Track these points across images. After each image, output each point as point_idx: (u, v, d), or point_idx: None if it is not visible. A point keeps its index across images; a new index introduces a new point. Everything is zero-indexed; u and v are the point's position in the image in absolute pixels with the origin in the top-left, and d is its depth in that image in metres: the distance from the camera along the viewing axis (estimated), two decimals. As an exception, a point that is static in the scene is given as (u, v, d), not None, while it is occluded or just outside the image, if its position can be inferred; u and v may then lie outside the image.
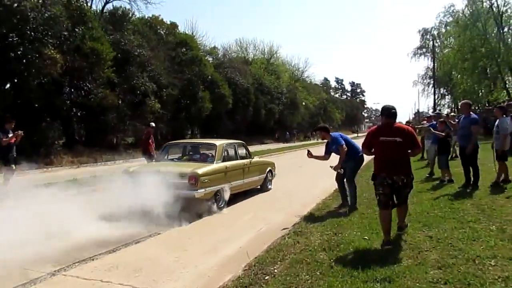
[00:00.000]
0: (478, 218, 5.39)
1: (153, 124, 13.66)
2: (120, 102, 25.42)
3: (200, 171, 7.33)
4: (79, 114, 23.08)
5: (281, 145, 37.18)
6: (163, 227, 6.41)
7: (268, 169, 10.53)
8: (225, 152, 8.60)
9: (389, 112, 4.82)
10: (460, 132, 7.90)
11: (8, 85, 20.06)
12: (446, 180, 8.89)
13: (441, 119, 9.50)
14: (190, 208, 7.08)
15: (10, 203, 7.29)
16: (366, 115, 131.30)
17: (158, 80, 27.47)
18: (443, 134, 8.85)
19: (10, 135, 9.35)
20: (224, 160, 8.34)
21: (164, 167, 7.70)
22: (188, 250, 5.33)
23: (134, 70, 25.31)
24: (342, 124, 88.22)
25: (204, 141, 10.20)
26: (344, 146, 7.25)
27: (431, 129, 9.59)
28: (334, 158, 7.56)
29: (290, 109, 51.00)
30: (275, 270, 4.05)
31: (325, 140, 7.79)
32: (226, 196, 8.00)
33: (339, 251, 4.48)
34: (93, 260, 4.93)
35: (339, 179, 7.49)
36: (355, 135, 73.35)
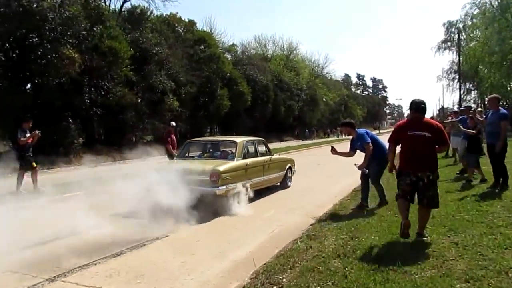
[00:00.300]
0: (510, 223, 4.92)
1: (174, 124, 13.98)
2: (138, 100, 25.55)
3: (221, 168, 7.34)
4: (98, 113, 23.14)
5: (300, 142, 36.74)
6: (178, 225, 6.23)
7: (287, 166, 10.46)
8: (245, 149, 8.56)
9: (418, 106, 4.73)
10: (488, 129, 7.35)
11: (28, 85, 20.36)
12: (472, 179, 8.36)
13: (470, 115, 8.91)
14: (211, 206, 6.96)
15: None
16: (388, 111, 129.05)
17: (176, 78, 27.46)
18: (474, 131, 8.26)
19: (28, 135, 9.37)
20: (244, 157, 8.31)
21: (185, 165, 7.80)
22: (196, 254, 5.06)
23: (152, 69, 25.34)
24: (364, 121, 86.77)
25: (225, 139, 10.16)
26: (370, 144, 6.94)
27: (461, 126, 8.97)
28: (359, 156, 7.27)
29: (309, 106, 50.43)
30: (284, 280, 3.73)
31: (350, 137, 7.55)
32: (247, 193, 7.86)
33: (355, 258, 4.12)
34: (95, 264, 4.70)
35: (363, 178, 7.19)
36: (377, 131, 72.18)
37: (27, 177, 9.46)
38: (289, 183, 10.54)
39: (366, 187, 7.12)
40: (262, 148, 9.51)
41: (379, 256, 4.08)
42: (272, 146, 28.71)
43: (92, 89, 22.73)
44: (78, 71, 20.03)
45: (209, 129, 37.12)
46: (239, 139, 8.69)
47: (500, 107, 7.34)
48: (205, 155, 9.00)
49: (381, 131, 72.12)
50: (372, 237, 4.81)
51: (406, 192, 4.65)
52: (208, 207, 6.91)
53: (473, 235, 4.56)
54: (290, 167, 10.63)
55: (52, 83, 19.36)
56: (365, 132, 7.29)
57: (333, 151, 7.25)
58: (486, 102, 10.50)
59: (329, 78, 68.87)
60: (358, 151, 7.25)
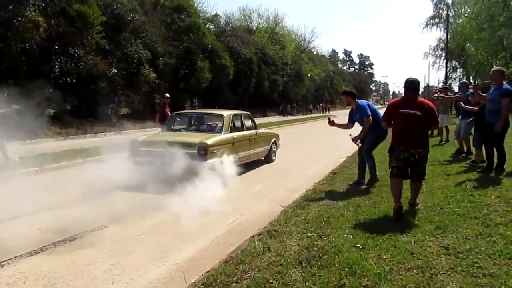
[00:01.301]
0: (510, 220, 4.10)
1: (168, 95, 14.17)
2: (114, 70, 24.13)
3: (210, 141, 7.31)
4: (68, 82, 21.71)
5: (283, 118, 35.70)
6: (129, 211, 5.40)
7: (272, 140, 10.48)
8: (232, 123, 8.54)
9: (411, 85, 4.86)
10: (489, 106, 6.44)
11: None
12: (477, 162, 7.48)
13: (471, 91, 8.02)
14: (195, 180, 6.38)
15: None
16: (374, 88, 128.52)
17: (153, 48, 25.98)
18: (476, 108, 7.37)
19: (3, 110, 8.59)
20: (231, 131, 8.31)
21: (171, 137, 7.69)
22: (132, 253, 4.15)
23: (127, 37, 23.83)
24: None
25: (212, 112, 9.94)
26: (371, 117, 6.55)
27: (462, 103, 8.05)
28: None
29: (294, 81, 49.30)
30: (224, 299, 2.86)
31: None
32: (234, 167, 7.61)
33: (320, 266, 3.26)
34: (2, 266, 3.77)
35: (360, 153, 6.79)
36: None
37: None
38: (274, 157, 10.51)
39: (362, 162, 6.74)
40: (248, 122, 9.53)
41: (349, 265, 3.23)
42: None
43: (62, 57, 21.28)
44: (43, 37, 18.58)
45: (190, 103, 35.84)
46: (226, 113, 8.64)
47: (504, 82, 6.44)
48: (192, 128, 8.90)
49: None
50: (345, 235, 3.96)
51: (399, 168, 4.76)
52: (190, 182, 6.30)
53: (467, 236, 3.73)
54: (275, 142, 10.65)
55: (15, 49, 17.92)
56: (367, 104, 6.84)
57: (331, 123, 6.89)
58: (476, 80, 9.46)
59: (315, 53, 67.42)
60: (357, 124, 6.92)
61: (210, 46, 32.46)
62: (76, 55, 20.86)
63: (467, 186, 5.69)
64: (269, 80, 42.47)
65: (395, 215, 4.50)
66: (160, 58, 26.73)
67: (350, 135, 6.81)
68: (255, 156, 9.41)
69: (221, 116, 8.56)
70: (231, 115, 8.66)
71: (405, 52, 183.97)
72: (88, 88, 21.79)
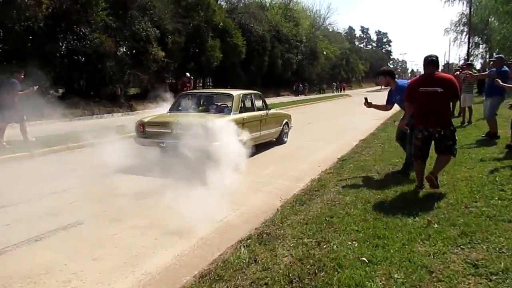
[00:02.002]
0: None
1: (188, 74, 15.45)
2: (124, 49, 23.52)
3: (217, 122, 7.02)
4: (74, 61, 21.18)
5: (296, 98, 34.66)
6: (110, 206, 4.83)
7: (284, 121, 10.10)
8: (242, 103, 8.26)
9: (430, 62, 4.72)
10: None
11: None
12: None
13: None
14: (203, 162, 6.13)
15: None
16: (392, 66, 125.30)
17: (162, 25, 25.16)
18: None
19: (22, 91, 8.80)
20: (241, 112, 7.99)
21: (178, 118, 7.35)
22: (100, 259, 3.57)
23: (134, 14, 23.06)
24: (366, 76, 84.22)
25: (221, 91, 9.58)
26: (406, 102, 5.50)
27: (499, 80, 7.10)
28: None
29: (309, 59, 47.88)
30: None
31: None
32: (243, 149, 7.04)
33: (315, 286, 2.60)
34: None
35: (400, 140, 5.97)
36: (379, 87, 69.74)
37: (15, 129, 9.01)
38: (285, 139, 10.15)
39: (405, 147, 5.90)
40: (259, 102, 9.22)
41: (351, 287, 2.56)
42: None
43: (67, 36, 20.71)
44: (46, 14, 17.98)
45: (201, 82, 35.11)
46: (235, 92, 8.31)
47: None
48: (200, 108, 8.59)
49: (382, 87, 69.91)
50: (349, 242, 3.29)
51: (419, 149, 4.75)
52: (195, 165, 6.06)
53: (501, 248, 3.00)
54: (287, 123, 10.24)
55: (18, 28, 17.43)
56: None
57: (367, 104, 6.17)
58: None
59: (330, 30, 65.46)
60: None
61: (221, 24, 31.46)
62: (81, 33, 20.31)
63: (497, 178, 4.89)
64: (282, 58, 41.29)
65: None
66: (169, 36, 25.92)
67: (394, 122, 6.15)
68: (266, 137, 9.07)
69: (230, 96, 8.25)
70: (241, 95, 8.33)
71: (424, 28, 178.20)
72: (95, 67, 21.24)
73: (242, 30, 33.91)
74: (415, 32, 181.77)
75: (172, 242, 3.86)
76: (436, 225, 3.53)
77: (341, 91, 51.03)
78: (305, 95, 40.72)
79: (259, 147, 8.61)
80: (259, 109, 8.93)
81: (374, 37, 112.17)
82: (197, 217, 4.47)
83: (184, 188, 5.34)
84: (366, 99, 6.21)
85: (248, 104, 8.67)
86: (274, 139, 9.70)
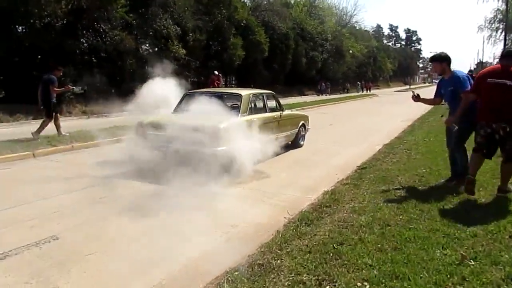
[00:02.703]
0: None
1: (216, 72, 15.24)
2: (142, 46, 23.35)
3: (223, 125, 6.44)
4: (93, 59, 21.09)
5: (318, 98, 33.67)
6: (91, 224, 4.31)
7: (301, 123, 9.44)
8: (252, 104, 7.69)
9: (506, 53, 4.54)
10: None
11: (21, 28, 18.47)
12: None
13: None
14: (206, 170, 5.76)
15: None
16: (421, 65, 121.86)
17: (183, 23, 24.81)
18: None
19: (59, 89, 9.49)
20: (250, 113, 7.44)
21: (181, 120, 6.86)
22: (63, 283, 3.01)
23: (154, 11, 22.78)
24: (394, 75, 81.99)
25: (228, 91, 9.01)
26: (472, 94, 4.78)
27: None
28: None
29: (334, 58, 46.72)
30: None
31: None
32: (251, 154, 6.57)
33: None
34: None
35: (455, 145, 5.12)
36: (407, 87, 67.65)
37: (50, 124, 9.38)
38: (302, 142, 9.50)
39: (454, 154, 5.12)
40: (271, 103, 8.62)
41: None
42: (287, 101, 26.32)
43: (90, 31, 20.57)
44: (65, 11, 17.86)
45: (224, 80, 34.68)
46: (244, 92, 7.72)
47: None
48: (206, 109, 7.68)
49: (411, 87, 67.74)
50: (359, 283, 2.60)
51: (481, 144, 4.46)
52: (198, 173, 5.64)
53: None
54: (303, 124, 9.59)
55: (38, 25, 17.42)
56: (466, 77, 5.09)
57: (416, 98, 5.53)
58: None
59: (357, 28, 63.96)
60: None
61: (243, 21, 30.90)
62: (102, 30, 20.19)
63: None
64: (306, 57, 40.39)
65: (466, 190, 4.40)
66: (190, 34, 25.58)
67: (442, 116, 5.66)
68: (279, 140, 8.24)
69: (238, 96, 7.60)
70: (251, 95, 7.73)
71: (456, 25, 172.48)
72: (116, 65, 21.11)
73: (265, 28, 33.27)
74: (446, 30, 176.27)
75: (145, 270, 3.26)
76: (472, 262, 2.80)
77: (367, 90, 49.48)
78: (328, 95, 39.62)
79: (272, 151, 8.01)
80: (272, 110, 8.35)
81: (403, 35, 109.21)
82: (185, 236, 3.88)
83: (179, 199, 4.78)
84: (413, 92, 5.59)
85: (259, 104, 8.13)
86: (290, 142, 9.02)
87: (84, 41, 20.67)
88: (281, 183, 6.06)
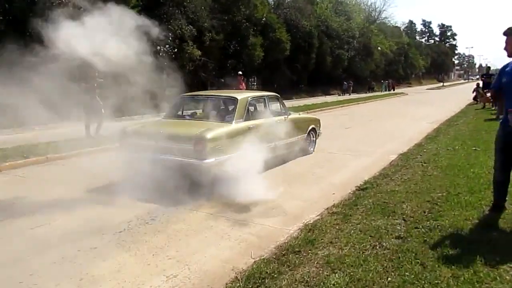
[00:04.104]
0: None
1: (240, 72, 15.48)
2: (158, 47, 22.72)
3: (210, 134, 5.66)
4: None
5: (341, 98, 32.00)
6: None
7: (310, 128, 8.53)
8: (250, 108, 6.92)
9: None
10: None
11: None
12: None
13: None
14: (193, 185, 5.33)
15: None
16: (456, 62, 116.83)
17: (198, 22, 24.02)
18: None
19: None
20: (247, 119, 6.60)
21: (166, 127, 6.27)
22: None
23: (168, 11, 22.10)
24: (426, 72, 78.70)
25: (224, 94, 7.89)
26: None
27: None
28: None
29: (362, 55, 44.88)
30: None
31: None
32: (246, 166, 5.76)
33: None
34: None
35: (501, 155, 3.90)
36: (440, 84, 64.53)
37: None
38: (311, 149, 8.64)
39: (503, 173, 3.91)
40: (275, 106, 7.83)
41: None
42: (307, 101, 25.07)
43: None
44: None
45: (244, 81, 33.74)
46: (241, 95, 6.90)
47: None
48: (199, 114, 7.41)
49: (445, 84, 64.58)
50: None
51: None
52: (188, 187, 5.26)
53: None
54: (313, 129, 8.67)
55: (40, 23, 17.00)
56: None
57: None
58: None
59: (388, 24, 61.53)
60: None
61: (263, 19, 29.83)
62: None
63: None
64: (332, 55, 38.87)
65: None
66: (207, 34, 24.77)
67: (500, 117, 4.39)
68: (283, 148, 7.48)
69: (234, 100, 6.78)
70: (248, 99, 6.89)
71: (493, 19, 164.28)
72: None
73: (287, 26, 32.09)
74: (483, 24, 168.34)
75: None
76: None
77: (391, 89, 46.96)
78: (349, 94, 37.85)
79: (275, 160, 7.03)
80: (275, 114, 7.50)
81: (436, 30, 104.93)
82: (174, 259, 2.97)
83: (137, 230, 3.82)
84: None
85: (260, 108, 7.35)
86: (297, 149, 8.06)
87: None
88: (262, 207, 4.96)
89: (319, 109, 19.12)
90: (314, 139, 8.74)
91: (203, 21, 24.30)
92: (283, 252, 3.29)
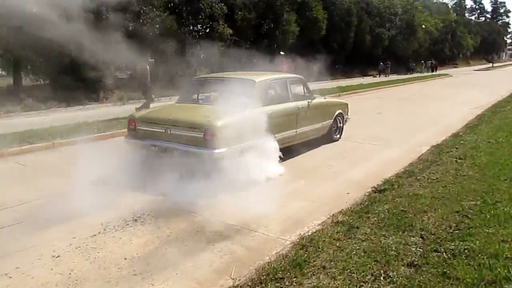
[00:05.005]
0: None
1: (282, 53, 14.89)
2: (186, 28, 22.27)
3: (220, 122, 5.13)
4: (135, 43, 20.36)
5: (379, 79, 30.22)
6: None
7: (336, 113, 7.83)
8: (269, 92, 6.34)
9: None
10: None
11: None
12: None
13: None
14: (205, 174, 4.82)
15: None
16: (509, 41, 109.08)
17: (229, 0, 23.23)
18: None
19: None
20: (266, 104, 6.00)
21: (176, 114, 5.74)
22: None
23: (199, -12, 21.46)
24: (475, 52, 73.87)
25: (240, 76, 7.11)
26: None
27: None
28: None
29: (404, 34, 42.45)
30: None
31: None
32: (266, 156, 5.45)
33: None
34: None
35: None
36: (490, 65, 60.38)
37: None
38: (337, 135, 7.98)
39: None
40: (297, 90, 7.12)
41: None
42: (341, 83, 23.88)
43: (126, 15, 19.82)
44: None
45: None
46: (259, 78, 6.29)
47: None
48: (213, 99, 6.74)
49: (495, 65, 60.36)
50: None
51: None
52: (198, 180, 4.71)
53: None
54: (340, 114, 7.95)
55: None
56: None
57: None
58: None
59: (434, 1, 57.95)
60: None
61: (300, -4, 28.59)
62: (142, 12, 19.34)
63: None
64: (371, 34, 36.96)
65: None
66: (238, 12, 23.98)
67: None
68: (306, 135, 6.94)
69: (251, 82, 6.15)
70: (268, 81, 6.32)
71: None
72: (157, 49, 20.20)
73: (323, 3, 30.60)
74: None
75: None
76: None
77: (433, 71, 44.14)
78: (387, 76, 35.82)
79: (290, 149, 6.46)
80: (297, 98, 6.79)
81: (488, 7, 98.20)
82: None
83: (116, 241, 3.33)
84: None
85: (280, 92, 6.68)
86: (322, 136, 7.54)
87: (124, 24, 20.00)
88: (262, 209, 4.32)
89: (352, 91, 18.05)
90: (341, 125, 8.07)
91: (234, -1, 23.51)
92: (262, 278, 2.66)
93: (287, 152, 6.43)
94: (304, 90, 7.17)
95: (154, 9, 19.39)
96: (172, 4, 20.50)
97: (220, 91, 6.62)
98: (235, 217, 4.01)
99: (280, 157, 5.59)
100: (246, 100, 5.84)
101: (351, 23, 33.51)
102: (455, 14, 67.10)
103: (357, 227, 3.38)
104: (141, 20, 19.36)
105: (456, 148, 6.37)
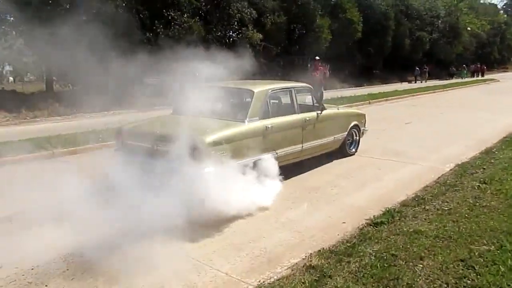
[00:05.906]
0: None
1: (318, 58, 14.64)
2: (212, 33, 22.07)
3: (210, 137, 4.67)
4: (162, 49, 20.36)
5: (415, 85, 28.40)
6: None
7: (351, 125, 7.15)
8: (270, 103, 5.71)
9: None
10: None
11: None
12: None
13: None
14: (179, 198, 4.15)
15: None
16: None
17: (259, 4, 22.77)
18: None
19: None
20: (266, 116, 5.47)
21: (166, 126, 5.46)
22: None
23: (228, -5, 21.19)
24: (526, 55, 69.27)
25: (239, 86, 6.52)
26: None
27: None
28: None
29: (447, 37, 40.36)
30: None
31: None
32: (264, 175, 4.97)
33: None
34: None
35: None
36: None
37: None
38: (353, 149, 7.30)
39: None
40: (305, 99, 6.63)
41: None
42: (376, 89, 22.75)
43: (156, 21, 19.83)
44: (127, -1, 17.23)
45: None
46: (258, 88, 5.66)
47: None
48: (209, 110, 6.04)
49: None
50: None
51: None
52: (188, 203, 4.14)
53: None
54: (356, 126, 7.25)
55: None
56: None
57: None
58: None
59: (482, 1, 54.96)
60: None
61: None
62: (170, 18, 19.36)
63: None
64: (411, 37, 35.40)
65: None
66: (268, 17, 23.48)
67: None
68: (314, 151, 6.32)
69: (249, 92, 5.62)
70: (268, 91, 5.69)
71: None
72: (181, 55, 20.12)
73: (359, 6, 29.56)
74: None
75: None
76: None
77: (478, 75, 41.49)
78: (424, 81, 33.94)
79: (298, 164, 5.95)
80: (304, 109, 6.20)
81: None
82: None
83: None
84: None
85: (284, 102, 6.17)
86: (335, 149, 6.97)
87: (152, 29, 20.06)
88: (237, 240, 3.76)
89: (384, 98, 17.04)
90: (357, 137, 7.40)
91: (265, 2, 23.02)
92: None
93: (294, 167, 5.85)
94: (312, 100, 6.59)
95: (184, 15, 19.28)
96: (199, 10, 20.34)
97: (217, 101, 6.10)
98: (198, 251, 3.46)
99: (279, 177, 5.03)
100: (244, 112, 5.39)
101: (389, 27, 32.19)
102: (505, 15, 63.37)
103: (330, 276, 2.73)
104: (170, 27, 19.39)
105: (484, 168, 5.49)
